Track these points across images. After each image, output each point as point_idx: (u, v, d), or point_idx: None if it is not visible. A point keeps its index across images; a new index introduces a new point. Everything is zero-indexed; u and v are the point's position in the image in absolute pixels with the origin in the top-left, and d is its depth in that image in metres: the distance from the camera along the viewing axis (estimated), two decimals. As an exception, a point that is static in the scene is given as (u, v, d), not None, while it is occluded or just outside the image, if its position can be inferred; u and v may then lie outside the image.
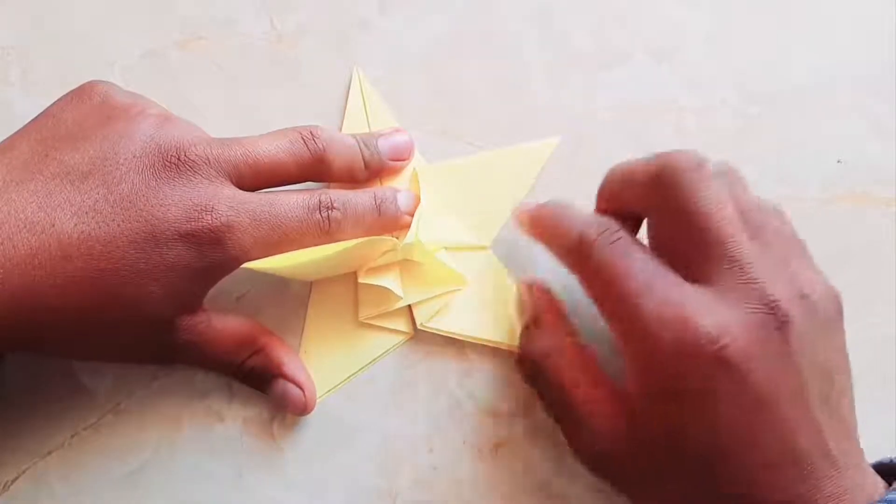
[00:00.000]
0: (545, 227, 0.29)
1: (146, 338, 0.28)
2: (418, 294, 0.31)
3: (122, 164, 0.26)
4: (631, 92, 0.34)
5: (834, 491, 0.23)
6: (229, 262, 0.27)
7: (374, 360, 0.31)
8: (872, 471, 0.25)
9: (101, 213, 0.25)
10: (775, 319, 0.24)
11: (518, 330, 0.30)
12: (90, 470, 0.30)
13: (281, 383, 0.29)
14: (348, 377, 0.31)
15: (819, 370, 0.24)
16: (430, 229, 0.31)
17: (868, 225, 0.33)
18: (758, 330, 0.24)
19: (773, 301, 0.24)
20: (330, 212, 0.28)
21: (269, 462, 0.30)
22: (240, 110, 0.34)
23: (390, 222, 0.30)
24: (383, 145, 0.32)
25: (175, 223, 0.26)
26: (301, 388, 0.30)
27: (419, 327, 0.31)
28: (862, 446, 0.25)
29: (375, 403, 0.31)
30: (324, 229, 0.28)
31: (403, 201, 0.31)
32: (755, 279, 0.24)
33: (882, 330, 0.32)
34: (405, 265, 0.31)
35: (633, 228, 0.28)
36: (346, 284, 0.32)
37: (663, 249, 0.26)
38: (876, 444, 0.26)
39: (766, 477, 0.23)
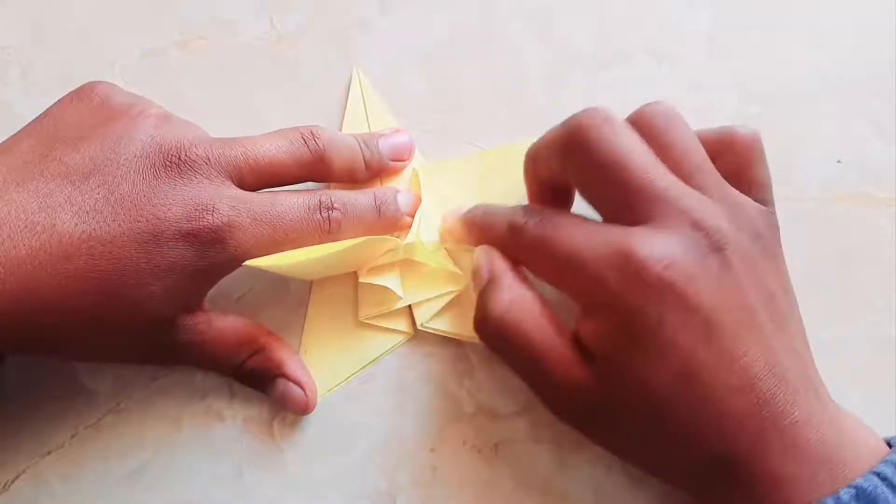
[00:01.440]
0: (477, 227, 0.29)
1: (147, 338, 0.27)
2: (419, 294, 0.31)
3: (123, 165, 0.26)
4: (631, 92, 0.34)
5: (800, 416, 0.23)
6: (230, 262, 0.27)
7: (375, 360, 0.31)
8: (849, 415, 0.25)
9: (101, 213, 0.25)
10: (712, 243, 0.24)
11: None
12: (90, 470, 0.30)
13: (282, 383, 0.29)
14: (348, 377, 0.31)
15: (766, 294, 0.25)
16: (430, 229, 0.31)
17: (868, 225, 0.33)
18: (696, 252, 0.24)
19: (706, 226, 0.24)
20: (330, 212, 0.28)
21: (270, 462, 0.30)
22: (240, 110, 0.34)
23: (390, 223, 0.30)
24: (384, 145, 0.32)
25: (176, 223, 0.26)
26: (302, 388, 0.30)
27: (419, 327, 0.31)
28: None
29: (375, 403, 0.31)
30: (324, 229, 0.28)
31: (404, 202, 0.31)
32: (684, 209, 0.25)
33: (882, 330, 0.32)
34: (406, 265, 0.31)
35: (567, 201, 0.29)
36: (346, 284, 0.32)
37: (596, 208, 0.27)
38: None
39: (726, 402, 0.23)
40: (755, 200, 0.27)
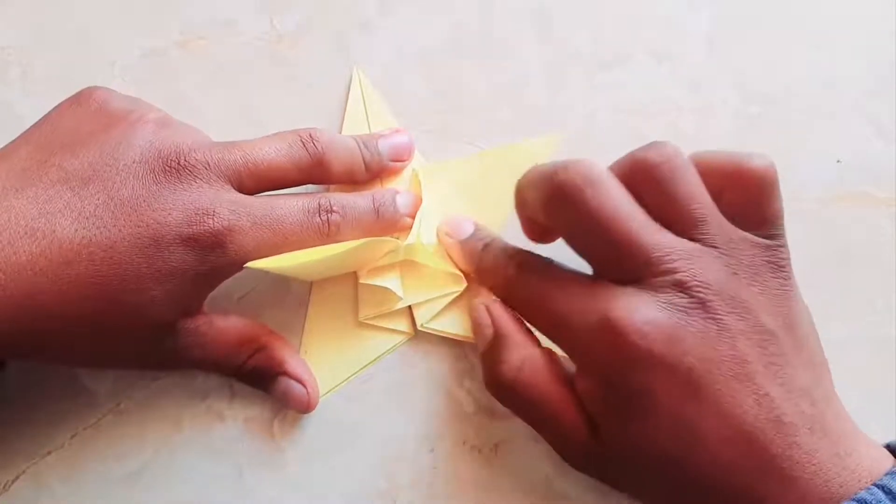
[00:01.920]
0: (475, 264, 0.30)
1: (148, 344, 0.27)
2: (419, 295, 0.31)
3: (122, 170, 0.26)
4: (631, 92, 0.34)
5: (800, 457, 0.23)
6: (230, 266, 0.27)
7: (375, 359, 0.31)
8: (858, 433, 0.25)
9: (101, 218, 0.25)
10: (696, 300, 0.24)
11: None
12: (90, 470, 0.30)
13: (283, 381, 0.30)
14: (349, 377, 0.31)
15: (761, 337, 0.24)
16: (431, 230, 0.31)
17: (868, 225, 0.33)
18: (678, 313, 0.24)
19: (689, 285, 0.24)
20: (329, 215, 0.29)
21: (270, 462, 0.30)
22: (240, 110, 0.34)
23: (389, 224, 0.30)
24: (383, 146, 0.32)
25: (176, 227, 0.26)
26: (304, 385, 0.30)
27: (419, 328, 0.31)
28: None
29: (375, 403, 0.31)
30: (323, 232, 0.28)
31: (403, 203, 0.31)
32: (668, 269, 0.24)
33: (882, 330, 0.32)
34: (406, 266, 0.31)
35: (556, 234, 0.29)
36: (347, 284, 0.32)
37: (586, 260, 0.26)
38: (876, 445, 0.26)
39: (724, 454, 0.23)
40: (764, 235, 0.26)
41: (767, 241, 0.26)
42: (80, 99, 0.28)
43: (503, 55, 0.35)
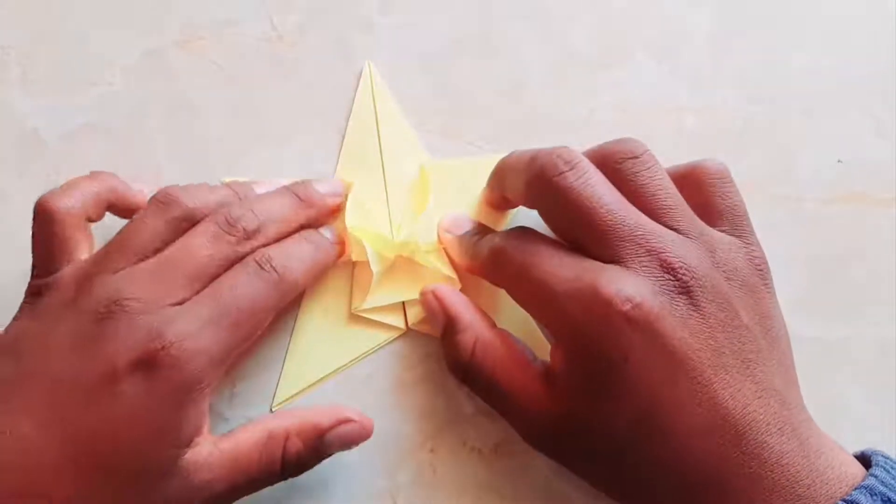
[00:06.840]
0: (468, 255, 0.29)
1: (152, 493, 0.25)
2: (413, 293, 0.31)
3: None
4: (631, 92, 0.34)
5: (768, 456, 0.23)
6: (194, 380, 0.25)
7: (367, 352, 0.31)
8: (826, 437, 0.25)
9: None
10: (681, 284, 0.24)
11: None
12: (90, 470, 0.30)
13: (331, 436, 0.27)
14: (339, 368, 0.31)
15: (739, 333, 0.24)
16: (433, 227, 0.31)
17: (868, 225, 0.33)
18: (663, 295, 0.24)
19: (676, 266, 0.24)
20: (272, 263, 0.27)
21: (270, 462, 0.30)
22: (240, 110, 0.34)
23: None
24: (323, 188, 0.31)
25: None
26: (351, 421, 0.28)
27: (410, 326, 0.31)
28: (860, 445, 0.25)
29: (375, 404, 0.31)
30: (274, 281, 0.27)
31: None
32: (653, 248, 0.24)
33: (882, 330, 0.32)
34: (404, 263, 0.31)
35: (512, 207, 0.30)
36: (342, 277, 0.32)
37: (563, 237, 0.27)
38: (876, 445, 0.26)
39: (689, 445, 0.23)
40: (727, 233, 0.26)
41: (737, 240, 0.26)
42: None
43: (503, 55, 0.35)
